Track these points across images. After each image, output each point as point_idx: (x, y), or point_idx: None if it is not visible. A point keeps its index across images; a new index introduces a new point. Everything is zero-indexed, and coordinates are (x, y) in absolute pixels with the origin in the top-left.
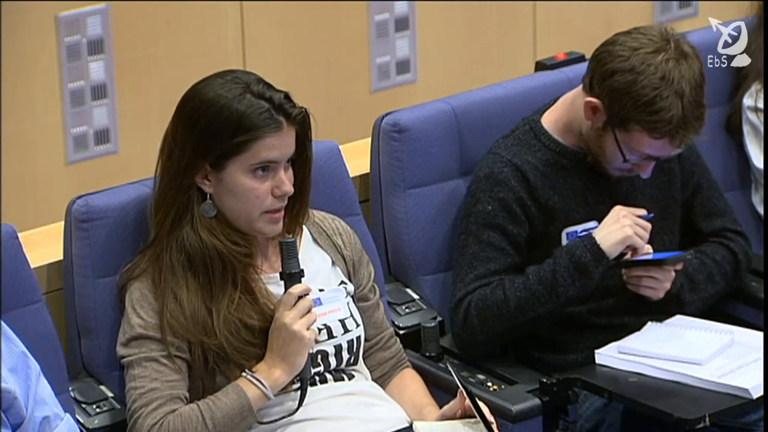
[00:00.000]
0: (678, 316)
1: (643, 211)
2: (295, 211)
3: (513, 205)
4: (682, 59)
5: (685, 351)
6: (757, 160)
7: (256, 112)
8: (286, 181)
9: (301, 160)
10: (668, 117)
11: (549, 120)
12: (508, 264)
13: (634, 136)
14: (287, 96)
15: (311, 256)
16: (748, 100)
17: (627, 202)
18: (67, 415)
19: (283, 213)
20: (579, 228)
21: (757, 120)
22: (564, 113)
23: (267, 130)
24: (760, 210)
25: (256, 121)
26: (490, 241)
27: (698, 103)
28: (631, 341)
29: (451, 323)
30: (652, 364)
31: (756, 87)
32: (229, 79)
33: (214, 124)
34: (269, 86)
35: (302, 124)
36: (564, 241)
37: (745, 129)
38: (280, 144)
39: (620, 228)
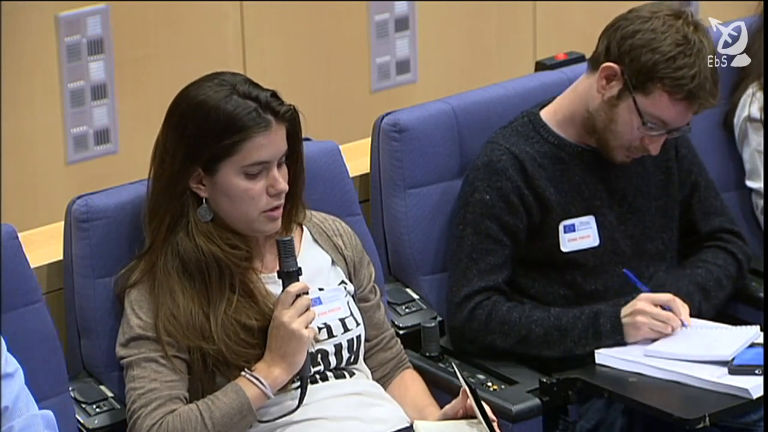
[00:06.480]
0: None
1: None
2: (288, 208)
3: (511, 195)
4: (699, 27)
5: (712, 349)
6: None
7: (244, 112)
8: (280, 179)
9: (292, 158)
10: (691, 74)
11: (548, 112)
12: (506, 256)
13: (654, 98)
14: (274, 94)
15: (311, 255)
16: (754, 109)
17: (624, 200)
18: (47, 411)
19: (281, 210)
20: (576, 221)
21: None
22: (564, 104)
23: (256, 129)
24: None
25: (244, 122)
26: (488, 232)
27: (715, 69)
28: (658, 345)
29: (450, 315)
30: (652, 364)
31: (753, 89)
32: (216, 82)
33: (203, 128)
34: (256, 86)
35: (291, 122)
36: (561, 234)
37: (752, 142)
38: (270, 143)
39: (635, 330)
